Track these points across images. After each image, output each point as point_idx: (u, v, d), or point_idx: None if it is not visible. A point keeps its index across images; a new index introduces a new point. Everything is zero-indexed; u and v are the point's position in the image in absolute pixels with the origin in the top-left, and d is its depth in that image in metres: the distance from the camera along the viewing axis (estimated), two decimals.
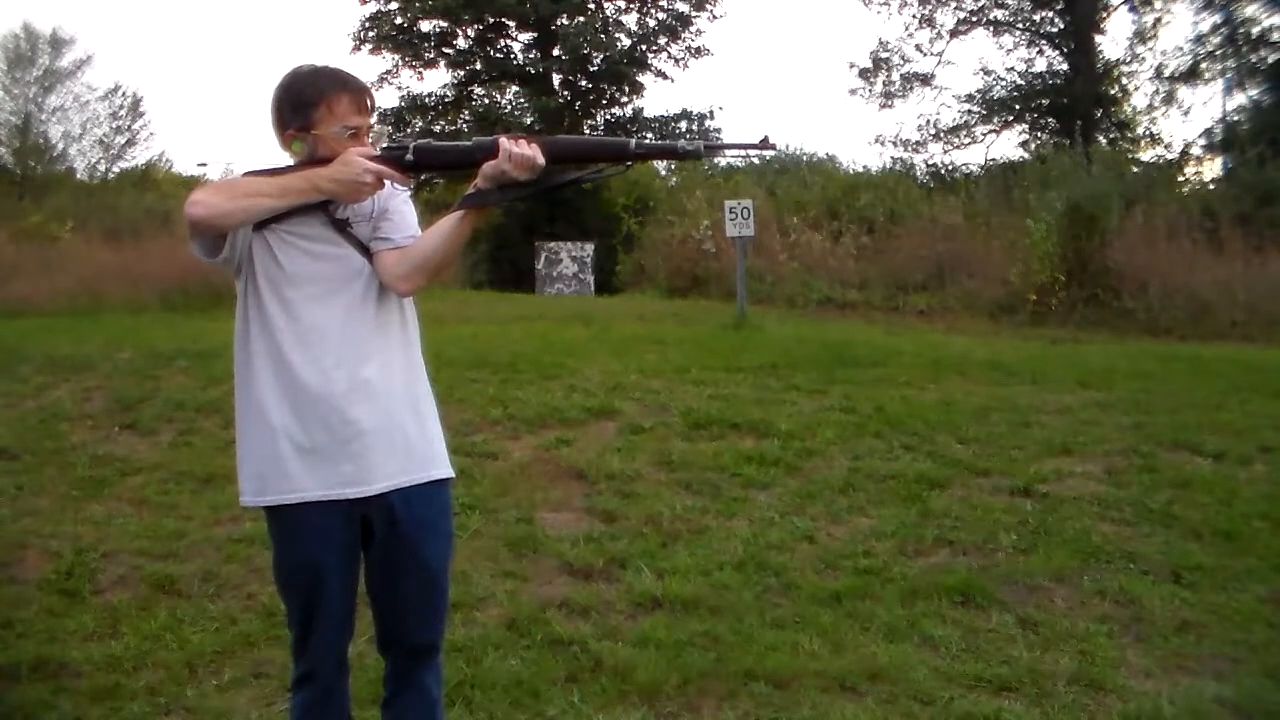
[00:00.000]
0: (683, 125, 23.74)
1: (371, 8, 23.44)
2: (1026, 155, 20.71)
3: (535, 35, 23.54)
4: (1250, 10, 20.08)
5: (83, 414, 6.05)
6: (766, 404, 6.11)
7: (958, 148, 25.27)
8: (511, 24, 23.67)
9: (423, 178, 2.41)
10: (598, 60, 23.09)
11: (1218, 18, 20.80)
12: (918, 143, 25.24)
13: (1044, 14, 24.35)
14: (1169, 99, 23.04)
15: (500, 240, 19.30)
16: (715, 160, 17.26)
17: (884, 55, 25.16)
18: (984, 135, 25.12)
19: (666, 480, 4.90)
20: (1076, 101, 22.36)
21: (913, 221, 14.16)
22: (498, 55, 24.14)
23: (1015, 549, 4.14)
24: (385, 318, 2.14)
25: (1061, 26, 24.20)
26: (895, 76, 25.29)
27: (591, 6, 23.49)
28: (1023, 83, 24.61)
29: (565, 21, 22.81)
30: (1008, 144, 36.00)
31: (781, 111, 48.56)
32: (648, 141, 2.25)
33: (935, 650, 3.31)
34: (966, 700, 2.99)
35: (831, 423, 5.73)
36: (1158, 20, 22.98)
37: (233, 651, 3.32)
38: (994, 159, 23.32)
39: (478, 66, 24.31)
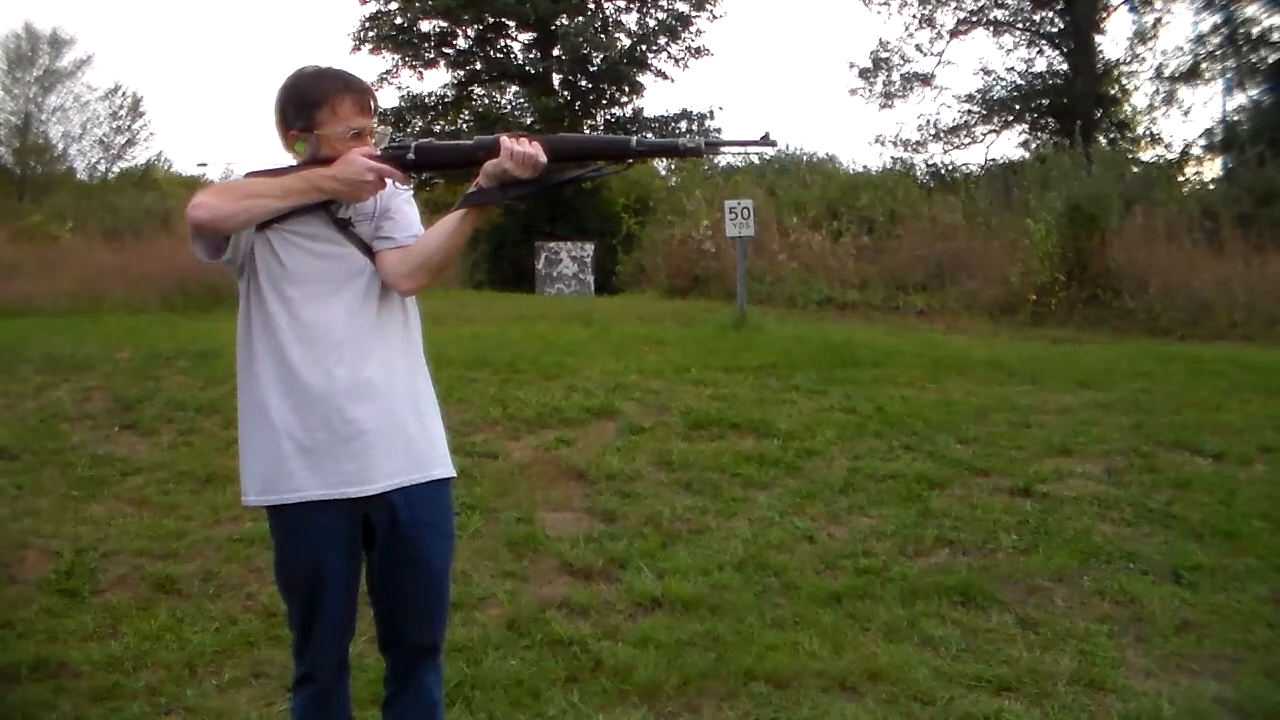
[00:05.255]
0: (683, 125, 23.70)
1: (371, 8, 23.46)
2: (1026, 155, 20.73)
3: (535, 35, 23.53)
4: (1250, 10, 20.10)
5: (83, 414, 6.04)
6: (766, 404, 6.10)
7: (958, 148, 25.33)
8: (511, 24, 23.65)
9: (423, 177, 2.42)
10: (598, 60, 23.07)
11: (1218, 18, 20.82)
12: (918, 143, 25.29)
13: (1044, 14, 24.36)
14: (1169, 99, 23.09)
15: (500, 240, 19.29)
16: (715, 160, 17.24)
17: (884, 55, 25.20)
18: (984, 135, 25.17)
19: (666, 480, 4.90)
20: (1076, 101, 22.36)
21: (913, 221, 14.15)
22: (498, 55, 24.13)
23: (1015, 549, 4.14)
24: (387, 317, 2.14)
25: (1061, 26, 24.21)
26: (895, 76, 25.33)
27: (591, 6, 23.47)
28: (1023, 83, 24.63)
29: (565, 21, 22.80)
30: (1008, 144, 36.08)
31: (781, 111, 48.63)
32: (649, 139, 2.24)
33: (935, 650, 3.31)
34: (966, 700, 2.99)
35: (831, 423, 5.73)
36: (1158, 20, 23.02)
37: (233, 651, 3.32)
38: (994, 159, 23.39)
39: (478, 66, 24.30)
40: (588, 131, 22.25)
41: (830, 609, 3.60)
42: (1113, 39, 48.47)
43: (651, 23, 24.24)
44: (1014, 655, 3.28)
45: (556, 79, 23.73)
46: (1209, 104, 36.47)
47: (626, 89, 24.00)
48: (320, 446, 2.08)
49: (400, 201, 2.16)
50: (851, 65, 28.83)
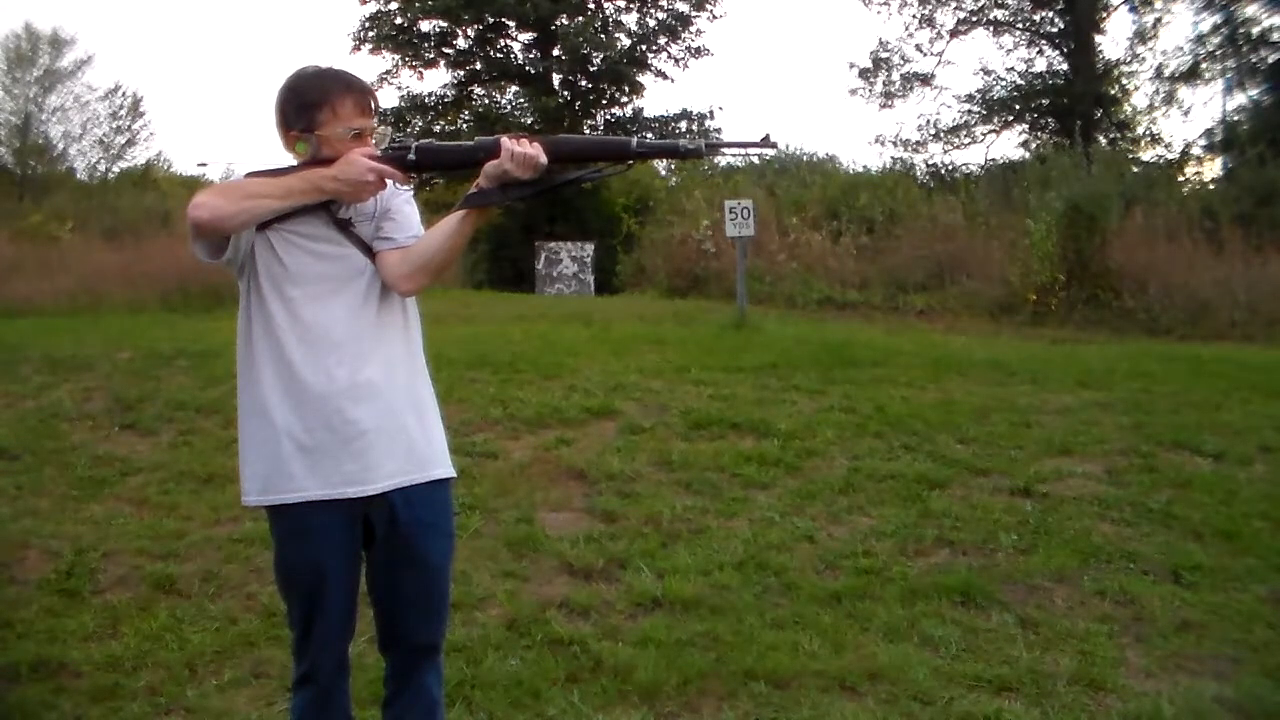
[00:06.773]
0: (683, 125, 23.71)
1: (371, 8, 23.46)
2: (1026, 155, 20.74)
3: (535, 35, 23.53)
4: (1250, 10, 20.09)
5: (83, 414, 6.04)
6: (766, 404, 6.10)
7: (958, 148, 25.33)
8: (511, 24, 23.65)
9: (424, 177, 2.42)
10: (598, 60, 23.08)
11: (1218, 18, 20.80)
12: (918, 143, 25.29)
13: (1044, 14, 24.36)
14: (1169, 99, 23.08)
15: (500, 240, 19.29)
16: (715, 160, 17.24)
17: (884, 55, 25.21)
18: (984, 135, 25.16)
19: (666, 480, 4.90)
20: (1076, 101, 22.36)
21: (913, 221, 14.16)
22: (498, 55, 24.13)
23: (1015, 549, 4.14)
24: (387, 317, 2.15)
25: (1061, 26, 24.21)
26: (895, 76, 25.34)
27: (591, 6, 23.47)
28: (1023, 83, 24.63)
29: (565, 21, 22.80)
30: (1008, 144, 36.13)
31: (781, 111, 48.61)
32: (649, 140, 2.24)
33: (935, 650, 3.31)
34: (966, 700, 2.99)
35: (831, 423, 5.72)
36: (1158, 20, 23.01)
37: (233, 651, 3.32)
38: (994, 159, 23.40)
39: (478, 66, 24.30)
40: (588, 132, 22.25)
41: (830, 609, 3.60)
42: (1113, 39, 48.49)
43: (651, 23, 24.25)
44: (1014, 655, 3.28)
45: (556, 79, 23.73)
46: (1209, 104, 36.48)
47: (626, 89, 24.00)
48: (320, 446, 2.08)
49: (400, 202, 2.16)
50: (851, 65, 28.87)
